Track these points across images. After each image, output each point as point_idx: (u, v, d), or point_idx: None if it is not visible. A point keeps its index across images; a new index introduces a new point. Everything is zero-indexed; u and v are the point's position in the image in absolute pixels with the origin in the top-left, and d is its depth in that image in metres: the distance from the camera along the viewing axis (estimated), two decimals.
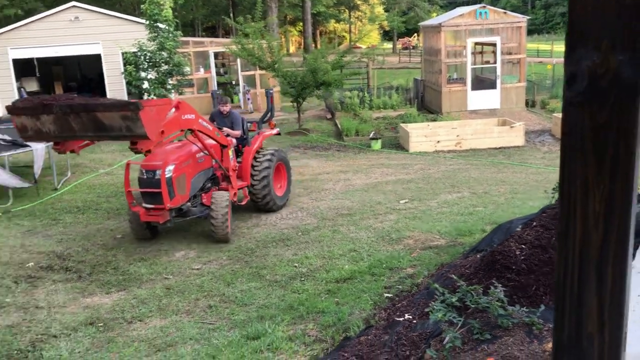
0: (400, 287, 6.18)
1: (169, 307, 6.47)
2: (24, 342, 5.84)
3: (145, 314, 6.34)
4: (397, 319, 4.38)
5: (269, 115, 10.44)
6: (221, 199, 8.43)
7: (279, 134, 11.07)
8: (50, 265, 8.01)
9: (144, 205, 8.20)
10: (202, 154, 8.75)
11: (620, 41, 1.31)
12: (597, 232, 1.43)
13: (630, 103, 1.33)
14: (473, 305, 3.58)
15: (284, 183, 10.48)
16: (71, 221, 10.10)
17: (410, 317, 4.24)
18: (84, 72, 25.41)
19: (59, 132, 6.59)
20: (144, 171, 8.12)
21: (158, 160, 8.14)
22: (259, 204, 9.68)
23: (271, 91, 10.94)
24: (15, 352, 5.65)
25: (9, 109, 6.78)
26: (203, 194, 8.88)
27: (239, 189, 9.43)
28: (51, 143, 12.46)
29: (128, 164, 8.62)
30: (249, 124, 10.06)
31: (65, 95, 8.17)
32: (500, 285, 3.60)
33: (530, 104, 20.24)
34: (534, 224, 4.54)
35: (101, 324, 6.17)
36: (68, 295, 7.03)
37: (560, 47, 42.38)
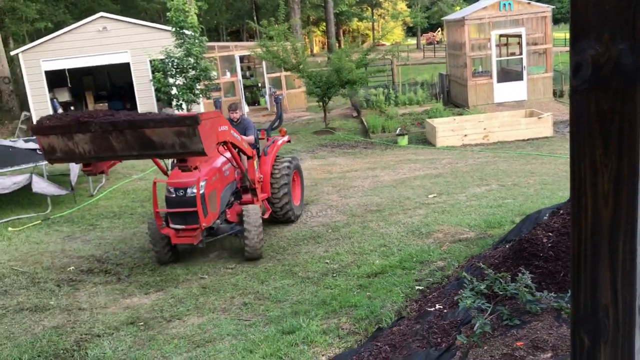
0: (431, 279, 6.27)
1: (206, 305, 6.67)
2: (69, 342, 6.10)
3: (183, 313, 6.55)
4: (428, 309, 4.49)
5: (277, 122, 9.98)
6: (254, 213, 7.89)
7: (289, 141, 10.59)
8: (90, 269, 8.31)
9: (171, 226, 7.72)
10: (226, 167, 8.35)
11: (620, 32, 1.41)
12: (607, 210, 1.53)
13: (632, 88, 1.43)
14: (501, 293, 3.67)
15: (299, 192, 10.03)
16: (108, 226, 10.43)
17: (441, 307, 4.34)
18: (113, 81, 25.98)
19: (95, 152, 5.92)
20: (172, 189, 7.59)
21: (187, 176, 7.52)
22: (278, 215, 9.20)
23: (280, 97, 10.75)
24: (62, 351, 5.91)
25: (35, 129, 6.01)
26: (227, 210, 8.46)
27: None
28: None
29: (155, 183, 8.25)
30: (257, 132, 9.56)
31: (103, 111, 7.70)
32: (528, 272, 3.68)
33: (558, 94, 20.03)
34: (561, 212, 4.58)
35: (141, 323, 6.41)
36: (108, 296, 7.29)
37: None
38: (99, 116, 5.90)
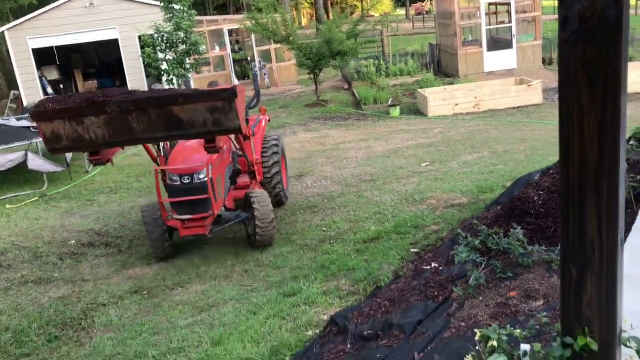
0: (425, 242, 6.47)
1: (208, 274, 6.84)
2: (75, 311, 6.26)
3: (186, 281, 6.72)
4: (425, 267, 4.68)
5: (255, 100, 8.95)
6: (264, 198, 7.25)
7: (269, 120, 9.87)
8: (91, 242, 8.44)
9: (176, 217, 7.02)
10: (224, 149, 7.61)
11: None
12: (592, 151, 1.69)
13: (615, 38, 1.57)
14: (495, 248, 3.85)
15: (285, 174, 9.30)
16: (105, 201, 10.53)
17: (437, 265, 4.53)
18: (102, 58, 25.78)
19: (110, 137, 5.12)
20: (176, 177, 6.87)
21: (191, 161, 6.98)
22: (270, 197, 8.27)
23: (256, 71, 10.11)
24: (69, 320, 6.07)
25: (36, 114, 5.06)
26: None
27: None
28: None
29: (157, 172, 7.40)
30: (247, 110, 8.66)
31: (118, 90, 6.68)
32: (520, 228, 3.86)
33: (547, 62, 20.13)
34: (551, 172, 4.76)
35: (145, 292, 6.57)
36: (111, 268, 7.45)
37: None
38: (115, 95, 5.19)
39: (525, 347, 2.00)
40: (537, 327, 2.12)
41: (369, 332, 3.62)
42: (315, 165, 11.34)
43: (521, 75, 17.24)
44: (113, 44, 21.30)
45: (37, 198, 10.90)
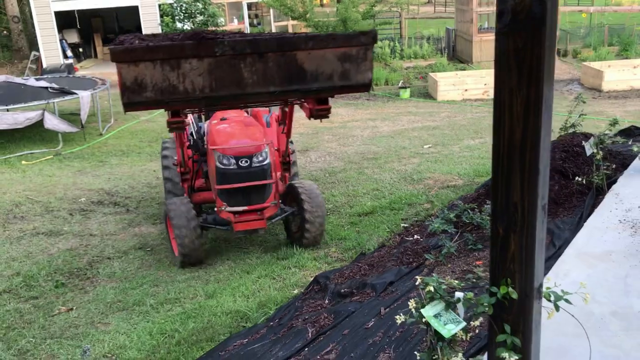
0: (416, 218, 6.78)
1: (208, 236, 7.21)
2: (82, 263, 6.66)
3: None
4: (407, 238, 5.00)
5: None
6: (313, 190, 6.35)
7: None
8: (100, 201, 8.84)
9: (228, 209, 5.95)
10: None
11: None
12: (519, 128, 1.99)
13: (539, 31, 1.86)
14: (468, 221, 4.15)
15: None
16: (117, 163, 10.93)
17: (418, 237, 4.85)
18: (121, 24, 26.04)
19: (210, 90, 3.93)
20: (230, 159, 5.83)
21: (246, 140, 5.99)
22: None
23: None
24: (76, 270, 6.48)
25: (118, 52, 3.69)
26: None
27: None
28: (100, 89, 13.25)
29: (212, 151, 5.96)
30: None
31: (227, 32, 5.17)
32: None
33: (562, 53, 20.14)
34: None
35: (149, 249, 6.96)
36: (118, 225, 7.84)
37: None
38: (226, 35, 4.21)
39: (459, 294, 2.32)
40: (474, 280, 2.43)
41: (345, 289, 3.95)
42: (321, 141, 11.64)
43: None
44: (133, 11, 21.55)
45: (51, 156, 11.32)
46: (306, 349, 3.20)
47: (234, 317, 4.74)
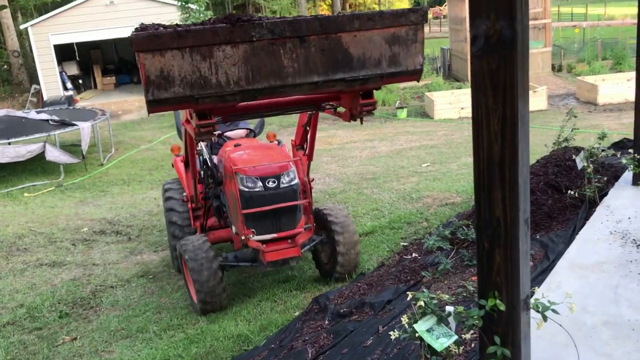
0: (415, 237, 6.84)
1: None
2: (85, 292, 6.72)
3: None
4: (405, 257, 5.06)
5: (260, 124, 7.29)
6: (343, 214, 5.87)
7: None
8: (102, 230, 8.92)
9: (257, 238, 5.25)
10: None
11: (502, 12, 1.93)
12: (497, 144, 2.07)
13: (510, 53, 1.96)
14: (463, 237, 4.21)
15: None
16: (118, 192, 11.03)
17: (416, 255, 4.91)
18: (120, 55, 26.41)
19: (247, 81, 3.38)
20: (256, 180, 5.19)
21: (272, 158, 5.42)
22: None
23: None
24: (79, 299, 6.53)
25: (141, 40, 3.08)
26: None
27: None
28: (100, 119, 13.41)
29: (235, 172, 5.28)
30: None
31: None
32: None
33: (557, 69, 20.35)
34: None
35: (151, 276, 7.02)
36: (120, 254, 7.91)
37: (594, 9, 41.58)
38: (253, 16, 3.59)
39: (449, 308, 2.38)
40: (465, 294, 2.50)
41: (344, 310, 4.01)
42: (320, 163, 11.74)
43: (530, 81, 17.47)
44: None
45: (53, 188, 11.44)
46: None
47: (235, 341, 4.79)
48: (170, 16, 18.79)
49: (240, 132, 6.71)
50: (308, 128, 5.91)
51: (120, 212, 9.72)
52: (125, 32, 16.23)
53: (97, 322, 5.85)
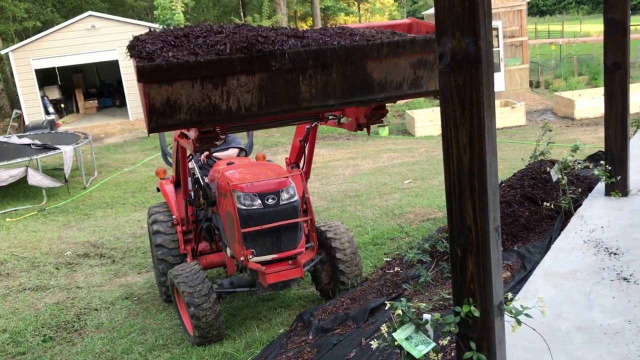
0: (397, 252, 6.92)
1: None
2: (69, 315, 6.68)
3: None
4: (388, 271, 5.13)
5: (249, 142, 7.26)
6: (340, 227, 5.81)
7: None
8: (86, 253, 8.88)
9: (256, 259, 4.95)
10: None
11: (467, 31, 2.04)
12: (466, 156, 2.17)
13: (475, 69, 2.06)
14: (442, 250, 4.30)
15: None
16: (101, 215, 11.00)
17: (398, 269, 4.99)
18: (102, 79, 26.44)
19: (259, 107, 3.14)
20: (254, 196, 4.90)
21: (270, 174, 5.21)
22: None
23: None
24: (63, 322, 6.49)
25: (147, 71, 2.71)
26: None
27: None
28: (82, 142, 13.40)
29: (232, 189, 4.98)
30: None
31: (268, 28, 3.31)
32: None
33: (534, 85, 20.73)
34: (503, 184, 5.23)
35: (135, 298, 7.00)
36: (104, 276, 7.88)
37: (571, 26, 42.47)
38: (272, 37, 3.11)
39: (426, 316, 2.45)
40: (442, 302, 2.58)
41: (328, 325, 4.06)
42: None
43: (508, 98, 17.81)
44: (113, 65, 21.93)
45: (35, 212, 11.37)
46: None
47: (221, 359, 4.80)
48: None
49: (232, 152, 6.54)
50: (305, 144, 5.76)
51: (103, 235, 9.69)
52: (107, 56, 16.20)
53: (82, 345, 5.82)
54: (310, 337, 4.06)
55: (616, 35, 4.48)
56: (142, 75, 2.70)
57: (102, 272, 8.06)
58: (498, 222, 2.29)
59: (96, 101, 25.03)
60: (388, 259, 6.76)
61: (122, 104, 23.21)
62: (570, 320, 3.07)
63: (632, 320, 3.03)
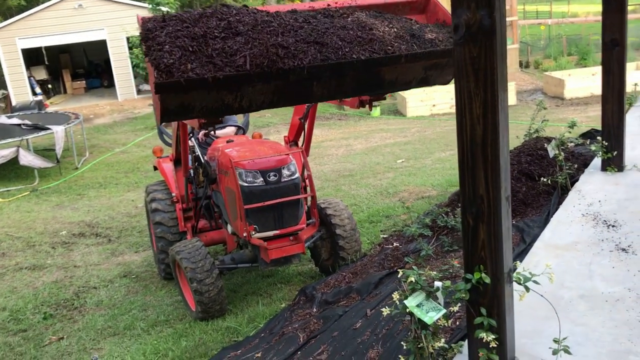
0: (394, 229, 7.00)
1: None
2: (68, 293, 6.71)
3: None
4: (387, 246, 5.21)
5: (246, 122, 7.30)
6: (339, 204, 5.91)
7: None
8: (81, 233, 8.89)
9: (259, 235, 5.01)
10: None
11: (481, 3, 2.08)
12: (479, 127, 2.22)
13: (490, 41, 2.11)
14: (442, 224, 4.38)
15: None
16: (95, 195, 10.98)
17: (397, 244, 5.07)
18: (90, 59, 26.12)
19: (270, 104, 3.18)
20: (256, 173, 4.94)
21: (271, 151, 5.25)
22: None
23: None
24: (63, 300, 6.52)
25: (167, 87, 2.68)
26: None
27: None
28: (74, 123, 13.30)
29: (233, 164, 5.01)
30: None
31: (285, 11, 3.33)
32: None
33: (524, 65, 20.82)
34: None
35: (134, 276, 7.04)
36: (101, 255, 7.90)
37: (559, 7, 42.50)
38: (293, 49, 2.97)
39: (438, 283, 2.52)
40: (450, 271, 2.65)
41: (332, 297, 4.14)
42: None
43: None
44: (101, 45, 21.69)
45: (28, 192, 11.32)
46: (299, 352, 3.37)
47: (224, 333, 4.87)
48: None
49: (229, 130, 6.59)
50: (305, 122, 5.78)
51: (98, 214, 9.69)
52: (95, 36, 15.84)
53: (83, 322, 5.87)
54: (315, 309, 4.13)
55: (614, 13, 4.54)
56: (160, 90, 2.69)
57: (99, 251, 8.08)
58: (509, 192, 2.35)
59: (84, 82, 24.75)
60: (385, 236, 6.84)
61: (111, 84, 23.01)
62: (573, 289, 3.17)
63: (631, 289, 3.13)
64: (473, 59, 2.15)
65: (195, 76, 2.67)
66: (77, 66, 25.88)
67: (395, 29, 3.27)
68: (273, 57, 2.84)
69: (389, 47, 3.11)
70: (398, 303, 2.56)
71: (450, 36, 3.23)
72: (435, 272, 2.53)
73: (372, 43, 3.10)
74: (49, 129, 12.42)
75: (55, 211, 10.10)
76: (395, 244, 5.08)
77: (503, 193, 2.30)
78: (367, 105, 4.02)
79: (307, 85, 3.10)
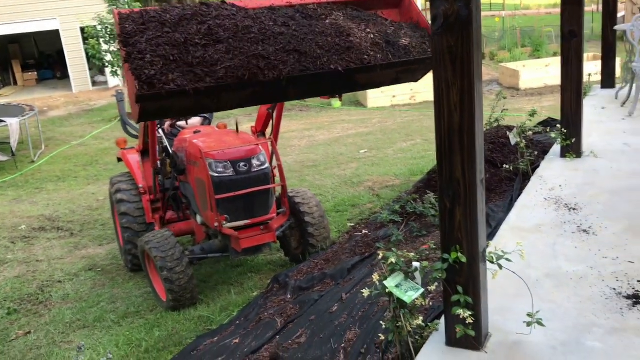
0: (361, 217, 7.13)
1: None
2: (32, 288, 6.59)
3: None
4: (356, 234, 5.32)
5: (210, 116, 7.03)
6: (307, 193, 5.99)
7: None
8: (42, 227, 8.70)
9: (229, 225, 5.02)
10: None
11: None
12: (457, 114, 2.33)
13: (467, 31, 2.21)
14: (412, 211, 4.51)
15: None
16: (54, 188, 10.75)
17: (367, 231, 5.19)
18: (41, 49, 25.36)
19: (242, 103, 3.24)
20: (226, 164, 4.96)
21: (240, 141, 5.26)
22: None
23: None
24: (26, 295, 6.41)
25: (148, 99, 2.71)
26: None
27: None
28: (29, 115, 12.94)
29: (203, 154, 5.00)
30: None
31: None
32: (432, 193, 4.53)
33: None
34: None
35: (99, 269, 6.96)
36: (64, 249, 7.77)
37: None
38: (274, 59, 3.02)
39: (416, 264, 2.64)
40: (427, 252, 2.76)
41: (305, 284, 4.22)
42: None
43: None
44: (54, 35, 21.08)
45: None
46: (277, 336, 3.44)
47: (197, 322, 4.90)
48: (96, 8, 18.27)
49: (196, 121, 6.56)
50: (273, 112, 5.84)
51: (58, 208, 9.50)
52: (47, 25, 15.38)
53: (50, 316, 5.79)
54: (289, 296, 4.21)
55: (573, 5, 4.74)
56: (141, 100, 2.70)
57: (61, 244, 7.95)
58: (483, 175, 2.47)
59: (35, 73, 24.03)
60: (352, 224, 6.96)
61: (64, 75, 22.42)
62: (540, 269, 3.34)
63: (593, 267, 3.32)
64: (450, 48, 2.25)
65: (177, 88, 2.68)
66: (27, 57, 25.09)
67: (372, 35, 3.33)
68: (254, 69, 2.86)
69: (365, 57, 3.18)
70: (378, 284, 2.66)
71: (424, 41, 3.45)
72: (413, 254, 2.63)
73: (349, 52, 3.16)
74: (2, 121, 12.06)
75: (12, 205, 9.85)
76: (364, 231, 5.19)
77: (478, 176, 2.42)
78: (338, 96, 4.12)
79: (282, 89, 3.12)
